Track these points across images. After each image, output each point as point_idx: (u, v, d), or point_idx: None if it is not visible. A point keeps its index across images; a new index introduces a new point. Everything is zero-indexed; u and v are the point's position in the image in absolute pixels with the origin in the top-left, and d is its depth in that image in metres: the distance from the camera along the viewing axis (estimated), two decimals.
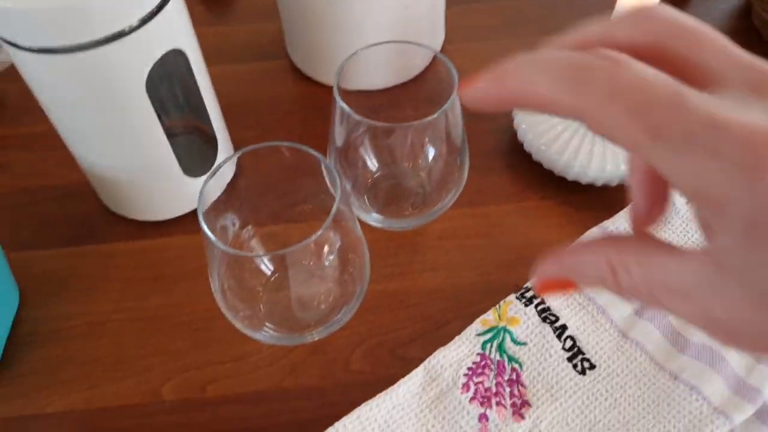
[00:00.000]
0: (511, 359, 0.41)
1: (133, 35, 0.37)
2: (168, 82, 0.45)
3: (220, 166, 0.36)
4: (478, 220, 0.49)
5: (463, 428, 0.38)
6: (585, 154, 0.47)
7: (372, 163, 0.47)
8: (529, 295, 0.43)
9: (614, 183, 0.48)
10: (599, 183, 0.48)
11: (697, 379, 0.38)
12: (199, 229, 0.33)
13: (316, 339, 0.40)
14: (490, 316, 0.42)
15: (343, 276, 0.41)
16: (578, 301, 0.43)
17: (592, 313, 0.42)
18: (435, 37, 0.60)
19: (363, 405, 0.38)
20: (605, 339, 0.41)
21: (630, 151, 0.18)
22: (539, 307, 0.42)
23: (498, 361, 0.41)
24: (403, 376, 0.40)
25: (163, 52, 0.40)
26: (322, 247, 0.39)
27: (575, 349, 0.41)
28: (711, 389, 0.38)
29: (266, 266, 0.42)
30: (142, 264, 0.48)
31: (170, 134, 0.44)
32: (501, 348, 0.41)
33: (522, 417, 0.39)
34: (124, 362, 0.43)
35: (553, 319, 0.42)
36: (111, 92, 0.39)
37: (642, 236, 0.20)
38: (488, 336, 0.41)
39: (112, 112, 0.40)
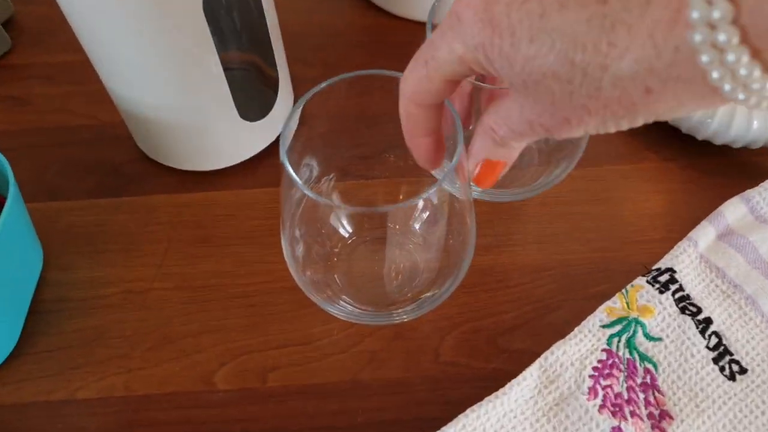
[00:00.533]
0: (643, 358, 0.33)
1: None
2: (227, 3, 0.36)
3: (300, 105, 0.28)
4: (589, 183, 0.41)
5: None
6: (727, 110, 0.39)
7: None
8: (663, 279, 0.35)
9: (757, 145, 0.40)
10: (738, 144, 0.40)
11: None
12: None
13: (405, 319, 0.32)
14: (617, 304, 0.34)
15: (444, 245, 0.33)
16: (722, 288, 0.35)
17: (739, 304, 0.34)
18: None
19: (468, 412, 0.31)
20: (757, 337, 0.33)
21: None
22: (677, 295, 0.35)
23: (628, 359, 0.33)
24: (505, 370, 0.33)
25: None
26: (425, 209, 0.31)
27: (722, 348, 0.33)
28: None
29: (348, 227, 0.34)
30: (188, 222, 0.40)
31: (226, 68, 0.35)
32: (631, 344, 0.33)
33: (666, 415, 0.31)
34: (169, 340, 0.36)
35: (694, 310, 0.34)
36: (161, 6, 0.30)
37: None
38: (616, 329, 0.34)
39: (160, 34, 0.32)
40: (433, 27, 0.32)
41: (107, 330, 0.36)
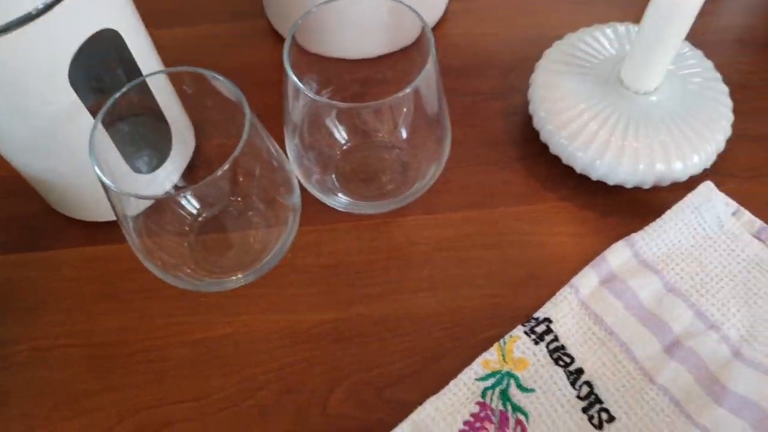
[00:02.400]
0: (516, 409, 0.34)
1: (42, 19, 0.29)
2: (101, 68, 0.37)
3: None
4: (484, 226, 0.41)
5: None
6: (615, 150, 0.39)
7: (340, 136, 0.43)
8: (540, 329, 0.36)
9: (647, 186, 0.40)
10: (629, 185, 0.40)
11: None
12: None
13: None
14: (493, 356, 0.36)
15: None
16: (598, 336, 0.36)
17: (613, 352, 0.35)
18: None
19: None
20: (627, 384, 0.35)
21: None
22: (551, 346, 0.36)
23: (500, 411, 0.34)
24: (389, 422, 0.35)
25: (87, 34, 0.32)
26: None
27: (592, 398, 0.34)
28: None
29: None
30: (93, 277, 0.41)
31: (110, 126, 0.36)
32: (504, 396, 0.35)
33: None
34: (71, 399, 0.37)
35: (567, 360, 0.35)
36: (26, 85, 0.31)
37: None
38: (490, 382, 0.35)
39: (28, 111, 0.33)
40: (294, 51, 0.35)
41: (13, 389, 0.38)
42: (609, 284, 0.37)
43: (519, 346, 0.36)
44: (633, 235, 0.39)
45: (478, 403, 0.34)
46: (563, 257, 0.40)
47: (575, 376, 0.35)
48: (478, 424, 0.34)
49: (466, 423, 0.34)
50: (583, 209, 0.42)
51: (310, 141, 0.40)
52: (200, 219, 0.40)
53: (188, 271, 0.38)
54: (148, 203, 0.36)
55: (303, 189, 0.39)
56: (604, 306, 0.37)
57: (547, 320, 0.36)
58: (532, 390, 0.35)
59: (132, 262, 0.41)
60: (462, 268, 0.40)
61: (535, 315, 0.37)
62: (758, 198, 0.41)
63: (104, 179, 0.31)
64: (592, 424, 0.34)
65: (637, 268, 0.38)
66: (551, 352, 0.35)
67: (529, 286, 0.39)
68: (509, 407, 0.34)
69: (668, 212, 0.39)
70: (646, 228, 0.39)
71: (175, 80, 0.38)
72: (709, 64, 0.43)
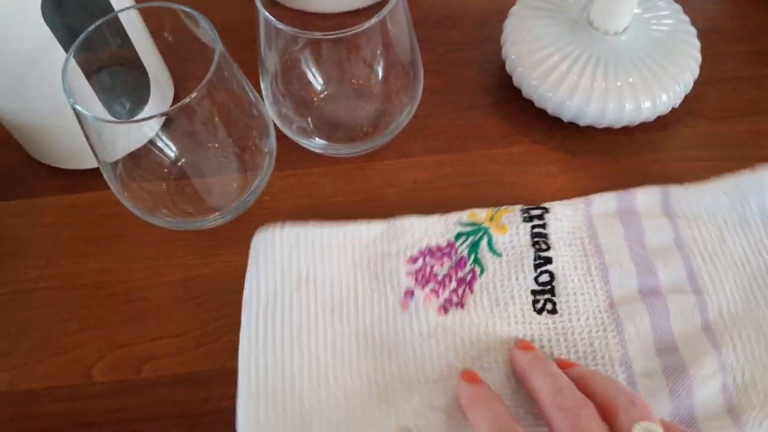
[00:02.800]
0: (476, 261, 0.36)
1: None
2: (75, 7, 0.38)
3: None
4: (458, 168, 0.42)
5: (385, 294, 0.35)
6: (584, 90, 0.40)
7: (316, 82, 0.43)
8: (534, 213, 0.37)
9: (618, 125, 0.41)
10: (600, 125, 0.41)
11: (653, 392, 0.32)
12: None
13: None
14: (482, 214, 0.37)
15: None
16: (585, 247, 0.36)
17: (589, 266, 0.36)
18: None
19: (316, 224, 0.37)
20: (586, 296, 0.35)
21: None
22: (536, 229, 0.36)
23: (463, 256, 0.36)
24: None
25: None
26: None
27: (547, 287, 0.35)
28: (659, 409, 0.31)
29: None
30: (74, 223, 0.42)
31: (88, 71, 0.37)
32: (474, 246, 0.36)
33: (446, 312, 0.35)
34: (52, 338, 0.38)
35: (543, 247, 0.36)
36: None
37: None
38: (467, 229, 0.37)
39: (3, 47, 0.33)
40: None
41: None
42: (623, 215, 0.37)
43: (508, 217, 0.37)
44: (671, 185, 0.38)
45: (449, 243, 0.36)
46: (536, 194, 0.40)
47: (542, 262, 0.35)
48: (438, 254, 0.36)
49: (429, 249, 0.36)
50: (555, 150, 0.42)
51: (286, 87, 0.41)
52: (179, 164, 0.41)
53: (167, 212, 0.39)
54: (128, 149, 0.36)
55: (280, 134, 0.40)
56: (606, 228, 0.37)
57: (546, 210, 0.37)
58: (499, 254, 0.36)
59: (112, 208, 0.42)
60: (437, 207, 0.41)
61: (542, 204, 0.38)
62: (727, 137, 0.42)
63: (78, 107, 0.32)
64: (534, 307, 0.34)
65: (658, 215, 0.37)
66: (533, 235, 0.36)
67: None
68: (472, 257, 0.36)
69: (716, 179, 0.38)
70: (688, 185, 0.38)
71: (151, 23, 0.38)
72: (678, 7, 0.44)
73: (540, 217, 0.37)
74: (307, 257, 0.37)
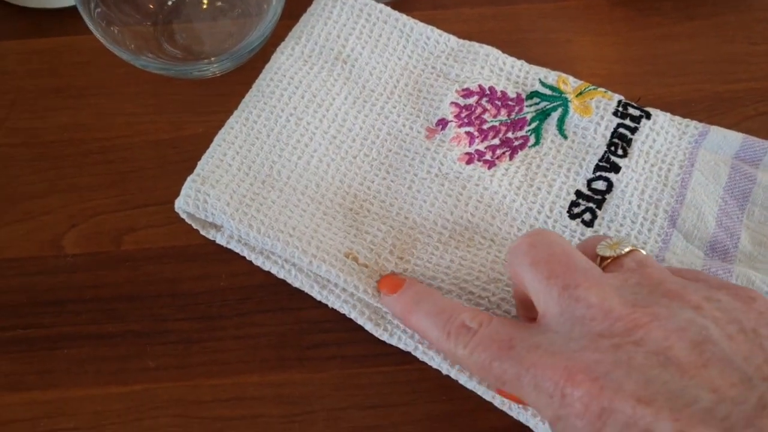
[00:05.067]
0: (536, 131, 0.30)
1: None
2: None
3: None
4: (503, 23, 0.35)
5: (417, 111, 0.31)
6: None
7: None
8: (633, 113, 0.30)
9: None
10: None
11: None
12: None
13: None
14: (573, 84, 0.31)
15: None
16: (669, 173, 0.29)
17: (660, 198, 0.28)
18: None
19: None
20: (636, 231, 0.28)
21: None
22: (622, 129, 0.30)
23: (524, 119, 0.30)
24: None
25: None
26: None
27: (597, 196, 0.29)
28: None
29: None
30: (40, 70, 0.35)
31: None
32: (542, 115, 0.30)
33: (468, 162, 0.29)
34: (14, 202, 0.32)
35: (619, 152, 0.29)
36: None
37: None
38: (547, 92, 0.31)
39: None
40: None
41: None
42: (738, 164, 0.30)
43: (601, 101, 0.30)
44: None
45: (519, 95, 0.31)
46: (595, 60, 0.34)
47: (608, 167, 0.29)
48: (498, 102, 0.31)
49: (492, 90, 0.31)
50: (620, 7, 0.36)
51: None
52: (169, 3, 0.34)
53: (152, 56, 0.32)
54: None
55: None
56: (706, 167, 0.29)
57: (647, 115, 0.30)
58: (565, 136, 0.30)
59: (86, 56, 0.35)
60: None
61: (648, 106, 0.31)
62: None
63: None
64: (571, 210, 0.29)
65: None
66: (616, 134, 0.30)
67: None
68: (534, 124, 0.30)
69: None
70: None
71: None
72: None
73: (636, 119, 0.30)
74: (361, 36, 0.32)
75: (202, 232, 0.29)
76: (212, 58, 0.32)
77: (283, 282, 0.29)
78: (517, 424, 0.26)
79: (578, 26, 0.35)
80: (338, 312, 0.28)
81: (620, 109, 0.30)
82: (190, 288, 0.30)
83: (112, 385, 0.28)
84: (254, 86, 0.31)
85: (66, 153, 0.33)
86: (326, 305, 0.28)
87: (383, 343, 0.28)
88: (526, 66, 0.31)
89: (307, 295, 0.28)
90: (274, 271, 0.29)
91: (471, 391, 0.27)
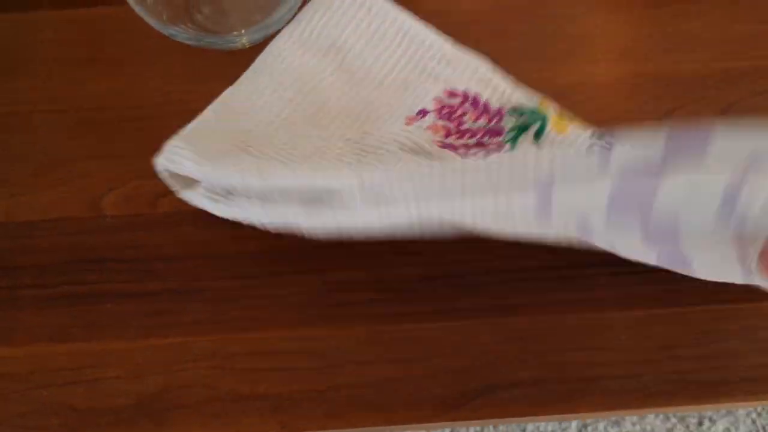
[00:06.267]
0: (512, 141, 0.31)
1: None
2: None
3: None
4: None
5: (402, 101, 0.32)
6: None
7: None
8: (606, 142, 0.30)
9: None
10: None
11: None
12: None
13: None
14: (552, 108, 0.31)
15: None
16: None
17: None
18: None
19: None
20: None
21: None
22: (595, 147, 0.30)
23: (501, 129, 0.31)
24: None
25: None
26: None
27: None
28: None
29: None
30: (77, 40, 0.36)
31: None
32: (519, 131, 0.31)
33: (442, 146, 0.31)
34: (54, 166, 0.33)
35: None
36: None
37: None
38: (528, 109, 0.31)
39: None
40: None
41: None
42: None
43: (575, 131, 0.31)
44: None
45: (500, 110, 0.32)
46: (606, 35, 0.35)
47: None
48: (481, 110, 0.32)
49: (476, 99, 0.32)
50: None
51: None
52: None
53: (184, 27, 0.33)
54: None
55: None
56: None
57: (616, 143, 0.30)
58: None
59: (120, 24, 0.36)
60: (495, 43, 0.35)
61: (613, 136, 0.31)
62: None
63: None
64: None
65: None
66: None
67: (569, 64, 0.35)
68: (511, 134, 0.31)
69: None
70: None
71: None
72: None
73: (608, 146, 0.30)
74: (358, 29, 0.33)
75: (181, 194, 0.31)
76: (242, 30, 0.33)
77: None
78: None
79: (592, 2, 0.36)
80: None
81: (595, 137, 0.31)
82: (223, 249, 0.32)
83: (152, 337, 0.30)
84: (251, 66, 0.33)
85: (103, 120, 0.34)
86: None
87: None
88: (512, 85, 0.32)
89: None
90: (240, 217, 0.30)
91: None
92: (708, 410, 0.80)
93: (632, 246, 0.27)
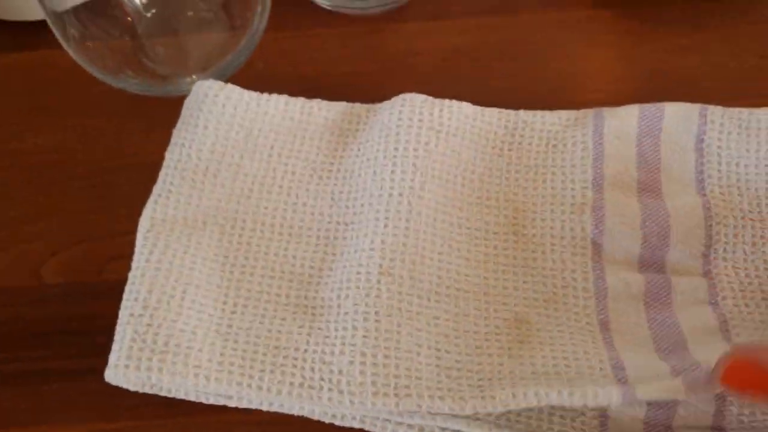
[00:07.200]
0: None
1: None
2: None
3: None
4: (503, 33, 0.34)
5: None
6: None
7: None
8: None
9: None
10: None
11: None
12: None
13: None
14: None
15: None
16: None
17: None
18: None
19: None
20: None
21: None
22: None
23: None
24: None
25: None
26: None
27: None
28: None
29: None
30: (19, 88, 0.34)
31: None
32: None
33: None
34: None
35: None
36: None
37: None
38: None
39: None
40: None
41: None
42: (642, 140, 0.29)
43: None
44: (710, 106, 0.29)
45: None
46: (598, 73, 0.33)
47: None
48: None
49: None
50: (624, 18, 0.34)
51: None
52: (148, 15, 0.32)
53: (132, 74, 0.31)
54: None
55: None
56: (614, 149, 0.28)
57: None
58: None
59: (68, 68, 0.33)
60: (474, 83, 0.33)
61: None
62: None
63: None
64: None
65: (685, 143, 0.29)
66: None
67: (559, 104, 0.32)
68: None
69: None
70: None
71: None
72: None
73: None
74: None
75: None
76: (194, 76, 0.30)
77: None
78: None
79: (582, 38, 0.34)
80: None
81: None
82: None
83: (101, 421, 0.27)
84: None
85: (47, 177, 0.31)
86: None
87: None
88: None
89: None
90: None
91: None
92: None
93: None
